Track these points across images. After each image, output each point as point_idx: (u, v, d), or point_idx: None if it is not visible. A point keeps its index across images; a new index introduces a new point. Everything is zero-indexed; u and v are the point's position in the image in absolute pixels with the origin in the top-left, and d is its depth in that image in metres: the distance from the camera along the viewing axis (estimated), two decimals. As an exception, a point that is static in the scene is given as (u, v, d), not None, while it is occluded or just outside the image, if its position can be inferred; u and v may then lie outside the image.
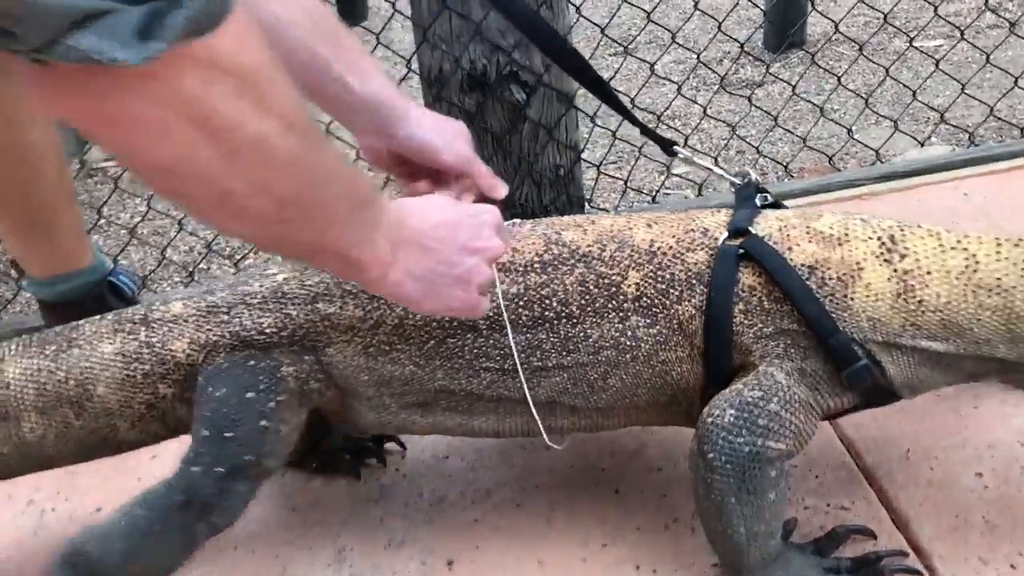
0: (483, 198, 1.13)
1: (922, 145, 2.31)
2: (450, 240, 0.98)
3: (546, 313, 1.11)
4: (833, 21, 2.47)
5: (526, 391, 1.11)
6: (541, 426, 1.13)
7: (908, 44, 2.51)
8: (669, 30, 2.35)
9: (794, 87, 2.32)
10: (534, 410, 1.12)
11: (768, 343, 1.07)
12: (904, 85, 2.42)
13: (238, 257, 2.30)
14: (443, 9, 1.79)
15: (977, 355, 1.04)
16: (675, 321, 1.09)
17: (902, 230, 1.08)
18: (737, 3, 2.37)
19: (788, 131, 2.41)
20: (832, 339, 1.04)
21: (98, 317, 1.19)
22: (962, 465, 1.27)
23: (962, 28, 2.50)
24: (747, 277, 1.07)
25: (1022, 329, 1.02)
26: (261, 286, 1.16)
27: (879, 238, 1.07)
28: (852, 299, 1.05)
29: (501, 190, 1.14)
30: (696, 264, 1.09)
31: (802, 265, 1.06)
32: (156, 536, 1.09)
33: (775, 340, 1.06)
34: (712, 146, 2.52)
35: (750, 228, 1.10)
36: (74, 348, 1.16)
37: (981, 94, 2.46)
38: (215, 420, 1.10)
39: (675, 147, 1.29)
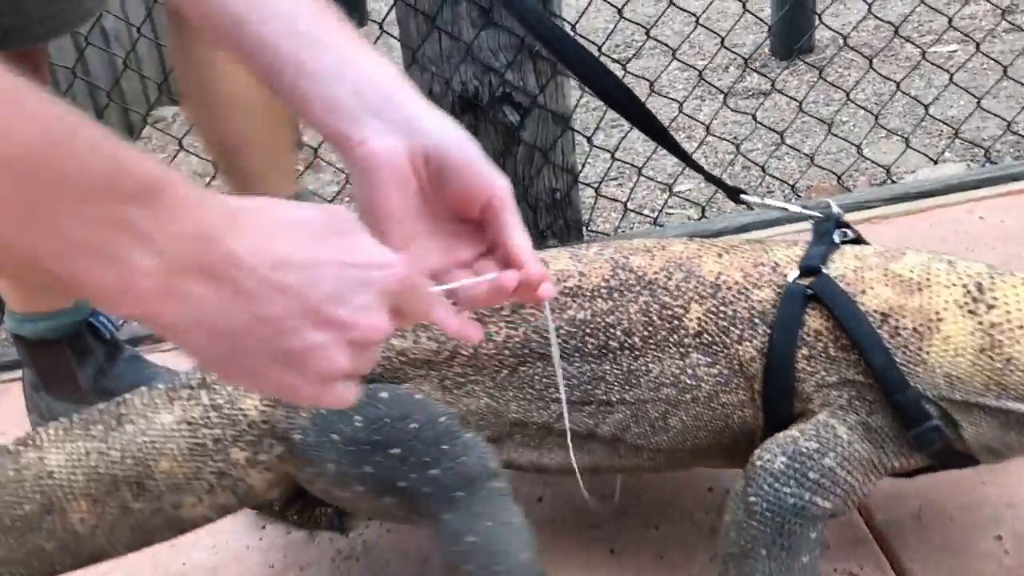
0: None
1: (935, 162, 2.22)
2: (295, 294, 0.63)
3: (610, 343, 1.05)
4: (841, 34, 2.38)
5: (569, 442, 1.03)
6: (582, 486, 1.04)
7: (921, 56, 2.41)
8: (670, 47, 2.27)
9: (800, 103, 2.23)
10: (574, 460, 1.03)
11: (831, 392, 0.99)
12: (915, 99, 2.33)
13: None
14: (432, 30, 1.72)
15: None
16: (736, 362, 1.02)
17: (992, 277, 0.99)
18: (744, 12, 2.29)
19: (793, 148, 2.32)
20: (899, 396, 0.96)
21: (142, 389, 1.11)
22: (980, 527, 1.19)
23: (976, 38, 2.41)
24: (813, 320, 1.00)
25: None
26: None
27: (964, 285, 0.98)
28: (928, 352, 0.96)
29: (546, 287, 0.80)
30: (761, 302, 1.02)
31: (874, 311, 0.98)
32: None
33: (839, 390, 0.99)
34: (718, 160, 2.44)
35: (822, 267, 1.01)
36: (127, 424, 1.08)
37: (997, 105, 2.38)
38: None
39: (742, 196, 1.17)
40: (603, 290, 1.06)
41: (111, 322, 1.59)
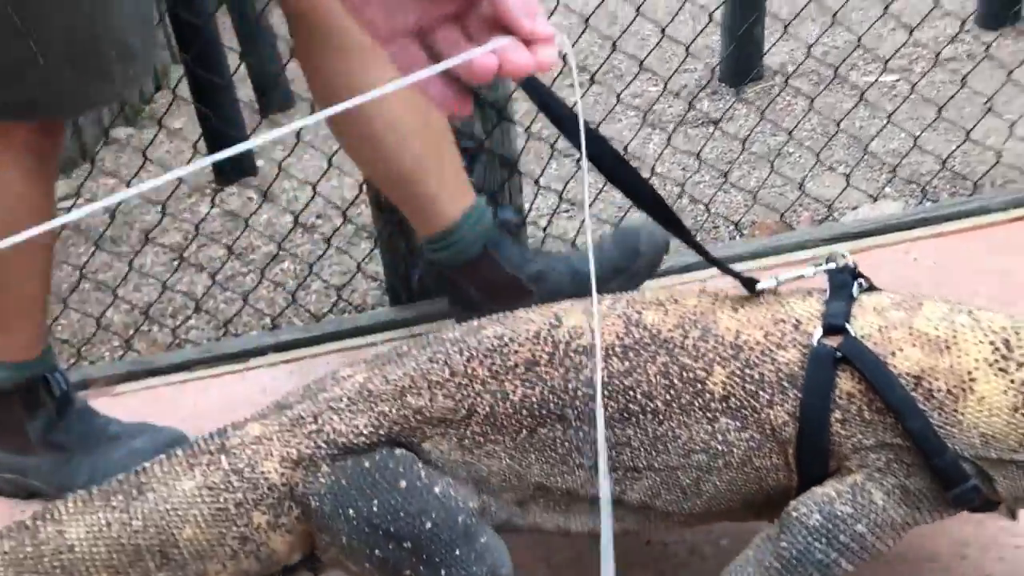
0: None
1: (875, 200, 2.28)
2: None
3: (631, 406, 1.04)
4: (784, 74, 2.43)
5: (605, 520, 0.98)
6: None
7: (863, 87, 2.47)
8: (616, 94, 2.30)
9: (744, 140, 2.28)
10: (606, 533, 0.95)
11: (868, 455, 1.01)
12: (854, 136, 2.39)
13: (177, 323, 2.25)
14: (380, 79, 1.74)
15: None
16: (768, 427, 1.02)
17: (1017, 332, 1.01)
18: (687, 50, 2.33)
19: (735, 186, 2.37)
20: (938, 459, 0.98)
21: (162, 457, 1.11)
22: (900, 584, 1.24)
23: (919, 67, 2.47)
24: (845, 383, 1.00)
25: None
26: (342, 389, 1.09)
27: (992, 342, 1.00)
28: (963, 414, 0.98)
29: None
30: (788, 364, 1.02)
31: (907, 374, 0.99)
32: None
33: (876, 453, 1.00)
34: (666, 193, 2.48)
35: (847, 325, 1.01)
36: (147, 493, 1.08)
37: (936, 138, 2.44)
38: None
39: (757, 284, 1.10)
40: (618, 349, 1.05)
41: (64, 377, 1.59)
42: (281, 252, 2.34)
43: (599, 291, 0.92)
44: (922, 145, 2.31)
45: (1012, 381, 0.98)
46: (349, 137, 1.62)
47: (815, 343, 1.01)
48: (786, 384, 1.01)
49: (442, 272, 1.71)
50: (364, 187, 1.97)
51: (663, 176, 2.48)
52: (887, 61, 2.51)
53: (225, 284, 2.29)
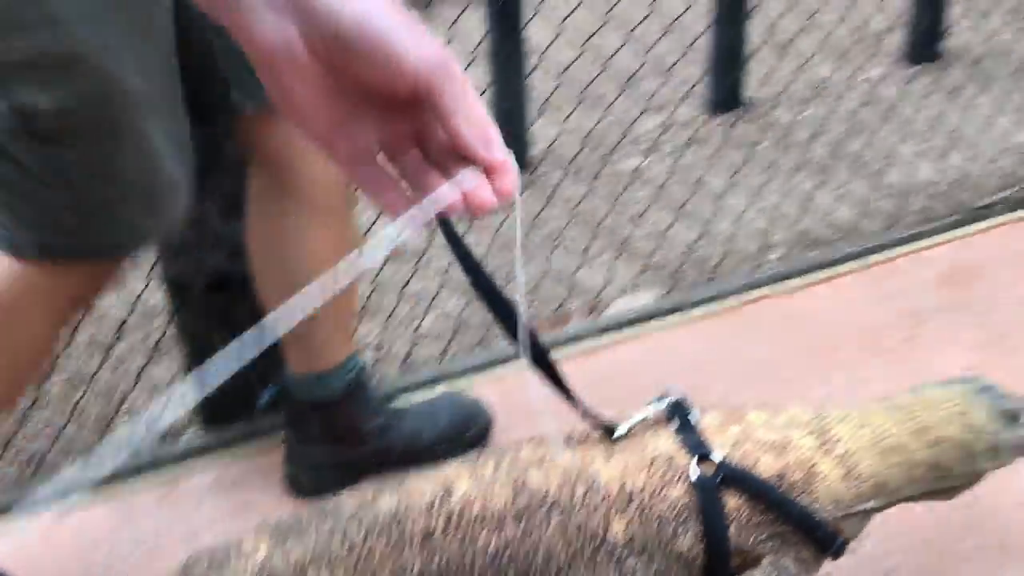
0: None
1: (633, 288, 2.58)
2: None
3: (531, 568, 1.14)
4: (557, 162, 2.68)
5: None
6: None
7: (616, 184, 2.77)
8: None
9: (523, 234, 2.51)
10: None
11: (766, 545, 1.23)
12: (610, 229, 2.68)
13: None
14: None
15: (889, 503, 1.31)
16: (675, 554, 1.19)
17: (820, 420, 1.29)
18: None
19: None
20: (820, 532, 1.24)
21: None
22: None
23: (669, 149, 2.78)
24: (731, 499, 1.21)
25: (917, 473, 1.30)
26: (247, 567, 1.14)
27: (811, 433, 1.27)
28: (818, 492, 1.24)
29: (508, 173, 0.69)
30: (680, 498, 1.19)
31: (773, 476, 1.23)
32: None
33: (771, 541, 1.23)
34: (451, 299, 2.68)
35: (713, 452, 1.22)
36: None
37: (688, 221, 2.77)
38: None
39: (615, 432, 1.26)
40: (511, 516, 1.14)
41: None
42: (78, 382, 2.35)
43: (434, 460, 1.13)
44: (672, 233, 2.64)
45: (836, 457, 1.27)
46: (263, 263, 1.68)
47: (696, 476, 1.21)
48: (685, 515, 1.20)
49: (291, 405, 1.82)
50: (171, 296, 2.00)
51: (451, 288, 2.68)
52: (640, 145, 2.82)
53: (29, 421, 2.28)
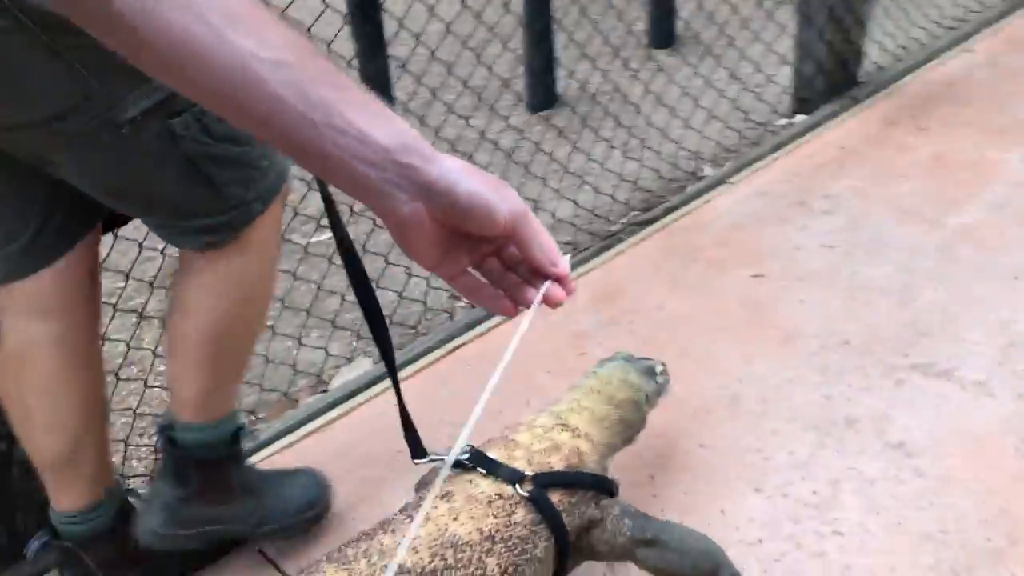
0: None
1: (350, 361, 2.87)
2: None
3: None
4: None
5: None
6: None
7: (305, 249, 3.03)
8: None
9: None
10: None
11: (585, 513, 1.61)
12: (303, 308, 2.95)
13: None
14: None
15: (612, 454, 1.81)
16: (537, 560, 1.50)
17: (559, 418, 1.73)
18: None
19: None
20: (610, 486, 1.67)
21: None
22: None
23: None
24: (554, 497, 1.55)
25: (618, 429, 1.83)
26: None
27: (562, 428, 1.69)
28: (587, 463, 1.66)
29: (562, 264, 1.04)
30: (525, 517, 1.51)
31: (565, 467, 1.62)
32: None
33: (586, 507, 1.62)
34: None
35: (524, 474, 1.54)
36: None
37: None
38: None
39: (430, 456, 1.63)
40: None
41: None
42: None
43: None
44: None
45: (582, 436, 1.72)
46: (180, 292, 1.74)
47: (525, 495, 1.55)
48: (535, 528, 1.53)
49: (176, 456, 1.86)
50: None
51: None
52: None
53: None
